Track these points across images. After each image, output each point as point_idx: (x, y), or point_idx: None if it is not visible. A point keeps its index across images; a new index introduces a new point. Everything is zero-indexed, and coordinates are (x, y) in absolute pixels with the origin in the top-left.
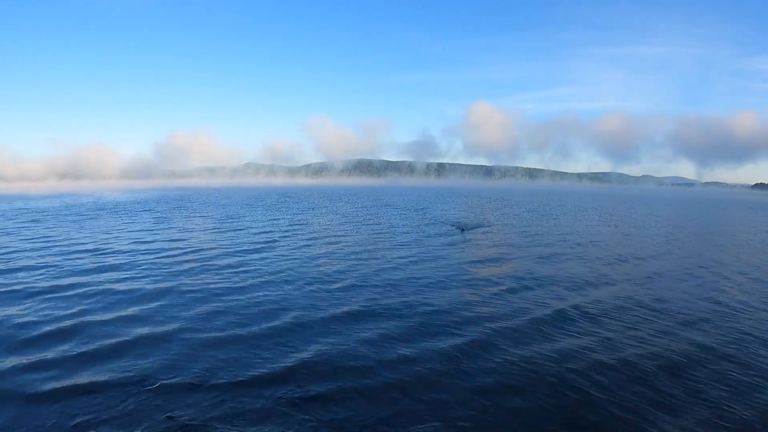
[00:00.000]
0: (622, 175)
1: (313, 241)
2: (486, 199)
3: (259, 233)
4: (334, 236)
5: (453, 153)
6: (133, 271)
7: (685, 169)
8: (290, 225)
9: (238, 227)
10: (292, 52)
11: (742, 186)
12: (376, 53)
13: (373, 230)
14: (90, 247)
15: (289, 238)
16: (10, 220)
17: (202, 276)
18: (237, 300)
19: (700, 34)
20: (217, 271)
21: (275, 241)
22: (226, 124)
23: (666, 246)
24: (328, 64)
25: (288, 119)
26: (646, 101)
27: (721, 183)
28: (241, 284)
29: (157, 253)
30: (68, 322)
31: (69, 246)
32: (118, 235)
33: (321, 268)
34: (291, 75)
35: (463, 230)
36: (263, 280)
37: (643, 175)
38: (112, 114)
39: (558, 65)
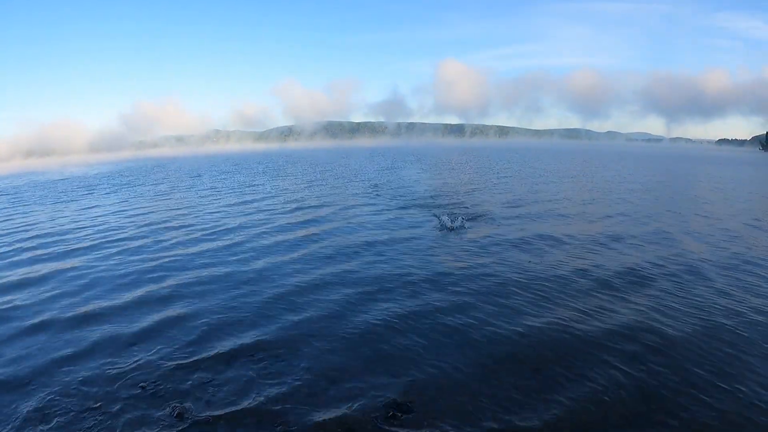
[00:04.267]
0: (589, 131)
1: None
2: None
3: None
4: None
5: (424, 111)
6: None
7: (652, 125)
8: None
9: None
10: (258, 13)
11: (708, 141)
12: (342, 12)
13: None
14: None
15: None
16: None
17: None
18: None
19: None
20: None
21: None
22: (193, 91)
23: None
24: (296, 24)
25: (256, 83)
26: (614, 57)
27: (687, 139)
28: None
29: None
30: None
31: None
32: (122, 215)
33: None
34: (258, 37)
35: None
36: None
37: (609, 131)
38: (77, 88)
39: (524, 21)
